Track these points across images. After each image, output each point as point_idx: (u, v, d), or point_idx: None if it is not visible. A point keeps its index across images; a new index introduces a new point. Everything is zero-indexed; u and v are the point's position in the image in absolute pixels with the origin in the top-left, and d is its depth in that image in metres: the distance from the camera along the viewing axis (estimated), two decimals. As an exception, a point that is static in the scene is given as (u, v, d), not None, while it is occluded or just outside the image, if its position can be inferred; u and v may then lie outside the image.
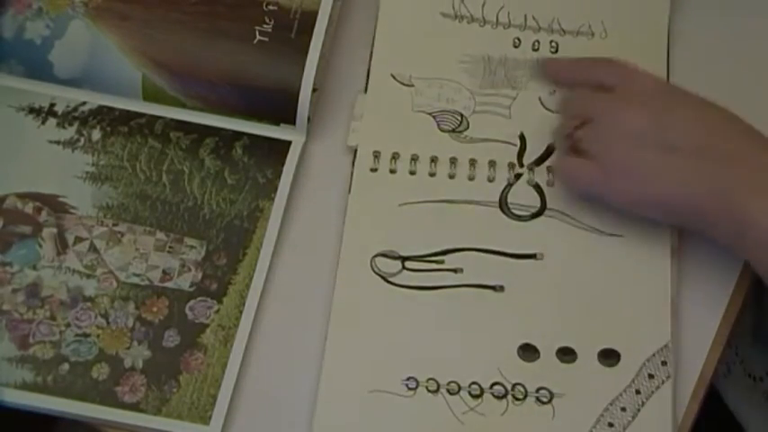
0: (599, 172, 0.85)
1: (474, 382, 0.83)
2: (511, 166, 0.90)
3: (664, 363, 0.83)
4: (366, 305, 0.86)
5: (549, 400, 0.83)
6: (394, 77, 0.95)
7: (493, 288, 0.86)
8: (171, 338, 0.85)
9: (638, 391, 0.83)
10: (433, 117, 0.93)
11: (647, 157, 0.82)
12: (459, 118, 0.93)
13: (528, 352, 0.84)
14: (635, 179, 0.83)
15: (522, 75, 0.95)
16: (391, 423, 0.82)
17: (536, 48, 0.96)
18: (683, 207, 0.82)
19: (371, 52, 0.96)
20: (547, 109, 0.93)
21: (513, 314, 0.85)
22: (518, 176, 0.90)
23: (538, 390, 0.83)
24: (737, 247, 0.82)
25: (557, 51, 0.95)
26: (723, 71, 0.95)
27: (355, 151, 0.92)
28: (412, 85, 0.94)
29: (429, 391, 0.83)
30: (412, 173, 0.90)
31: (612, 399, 0.83)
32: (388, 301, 0.86)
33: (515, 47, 0.96)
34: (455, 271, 0.87)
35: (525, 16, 0.97)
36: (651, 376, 0.83)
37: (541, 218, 0.88)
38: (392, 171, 0.90)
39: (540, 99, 0.94)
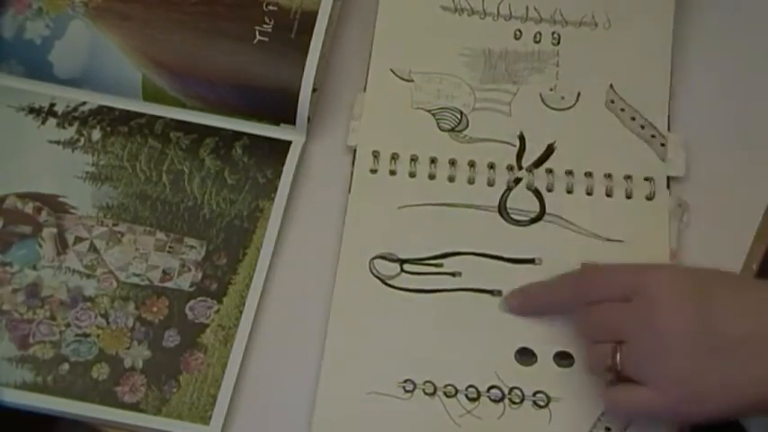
0: (655, 394, 0.76)
1: (471, 386, 0.83)
2: (510, 168, 0.90)
3: (662, 367, 0.83)
4: (364, 307, 0.86)
5: (546, 404, 0.83)
6: (393, 72, 0.94)
7: (491, 292, 0.86)
8: (171, 338, 0.85)
9: (634, 396, 0.83)
10: (433, 115, 0.93)
11: (701, 359, 0.74)
12: (459, 116, 0.92)
13: (525, 356, 0.84)
14: (697, 386, 0.75)
15: (523, 68, 0.94)
16: (388, 425, 0.83)
17: (537, 40, 0.95)
18: (758, 395, 0.74)
19: (371, 49, 0.95)
20: (547, 106, 0.93)
21: (510, 318, 0.85)
22: (517, 181, 0.90)
23: (535, 394, 0.83)
24: None
25: (559, 43, 0.95)
26: (726, 67, 0.95)
27: (354, 151, 0.92)
28: (411, 80, 0.94)
29: (426, 393, 0.83)
30: (412, 175, 0.90)
31: (609, 403, 0.83)
32: (386, 304, 0.86)
33: (516, 39, 0.96)
34: (453, 275, 0.87)
35: (527, 8, 0.97)
36: (648, 380, 0.83)
37: (540, 223, 0.88)
38: (392, 172, 0.90)
39: (540, 95, 0.94)
